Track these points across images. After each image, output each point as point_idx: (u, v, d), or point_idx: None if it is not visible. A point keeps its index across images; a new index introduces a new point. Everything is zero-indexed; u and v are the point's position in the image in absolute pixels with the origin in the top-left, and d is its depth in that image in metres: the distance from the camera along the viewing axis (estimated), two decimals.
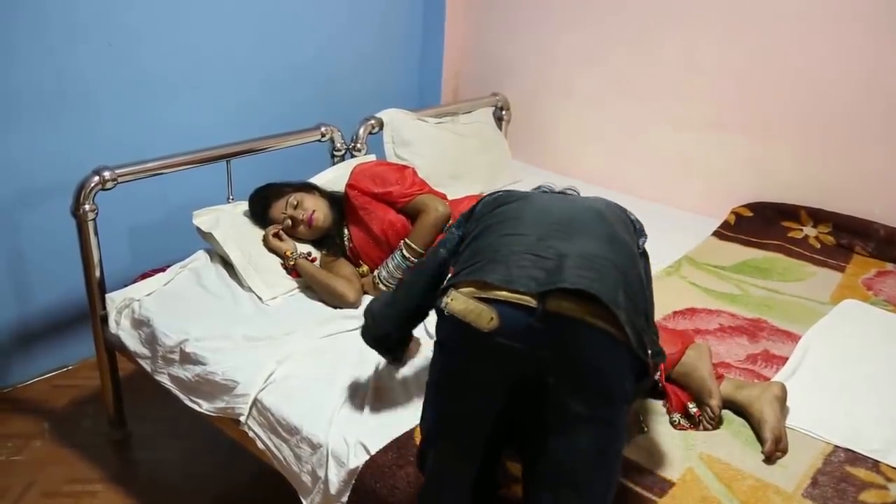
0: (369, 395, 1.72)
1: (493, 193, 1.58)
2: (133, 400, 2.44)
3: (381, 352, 1.73)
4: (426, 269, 1.60)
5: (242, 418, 1.77)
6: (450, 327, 1.29)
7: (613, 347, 1.23)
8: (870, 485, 1.51)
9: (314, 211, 2.24)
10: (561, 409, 1.24)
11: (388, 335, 1.67)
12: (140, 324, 2.06)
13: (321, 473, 1.61)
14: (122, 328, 2.10)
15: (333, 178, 2.48)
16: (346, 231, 2.31)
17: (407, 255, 2.15)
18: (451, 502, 1.34)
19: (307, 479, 1.65)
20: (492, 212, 1.49)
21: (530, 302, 1.22)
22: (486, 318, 1.22)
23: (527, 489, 1.33)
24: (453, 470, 1.34)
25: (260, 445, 1.76)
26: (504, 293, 1.24)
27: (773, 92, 2.76)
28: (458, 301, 1.26)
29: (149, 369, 2.05)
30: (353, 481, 1.54)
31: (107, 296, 2.15)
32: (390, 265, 2.18)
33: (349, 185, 2.28)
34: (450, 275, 1.41)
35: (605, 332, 1.22)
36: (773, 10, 2.69)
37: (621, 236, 1.44)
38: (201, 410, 1.89)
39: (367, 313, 1.67)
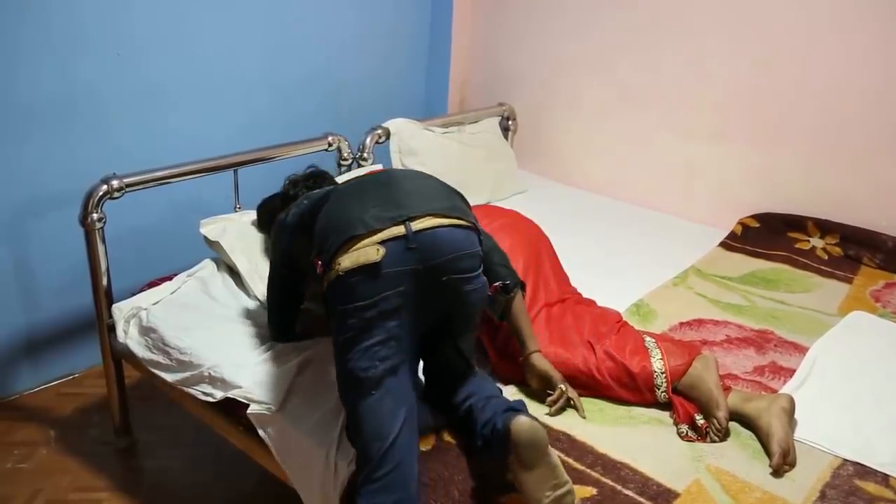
0: None
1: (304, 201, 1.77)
2: (139, 408, 2.44)
3: (294, 340, 1.93)
4: (280, 274, 1.83)
5: (261, 432, 1.77)
6: (346, 284, 1.46)
7: (466, 235, 1.54)
8: (879, 499, 1.49)
9: None
10: (457, 298, 1.53)
11: (292, 335, 1.92)
12: (148, 332, 2.07)
13: (328, 479, 1.61)
14: (129, 337, 2.10)
15: None
16: None
17: None
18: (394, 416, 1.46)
19: (316, 487, 1.65)
20: (319, 206, 1.65)
21: (399, 230, 1.46)
22: (373, 252, 1.44)
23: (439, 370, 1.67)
24: (395, 394, 1.48)
25: (276, 456, 1.75)
26: (375, 236, 1.46)
27: (781, 102, 2.76)
28: (345, 259, 1.45)
29: (160, 374, 2.03)
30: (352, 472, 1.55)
31: (114, 305, 2.15)
32: None
33: None
34: (318, 266, 1.54)
35: (456, 225, 1.52)
36: (780, 20, 2.70)
37: (444, 184, 1.70)
38: (215, 399, 1.87)
39: (271, 331, 1.94)
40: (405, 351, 1.50)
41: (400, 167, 2.82)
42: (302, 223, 1.69)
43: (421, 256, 1.47)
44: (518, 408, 1.52)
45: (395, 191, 1.58)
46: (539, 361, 1.75)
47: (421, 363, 1.68)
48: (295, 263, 1.77)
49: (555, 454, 1.40)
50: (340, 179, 2.57)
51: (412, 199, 1.54)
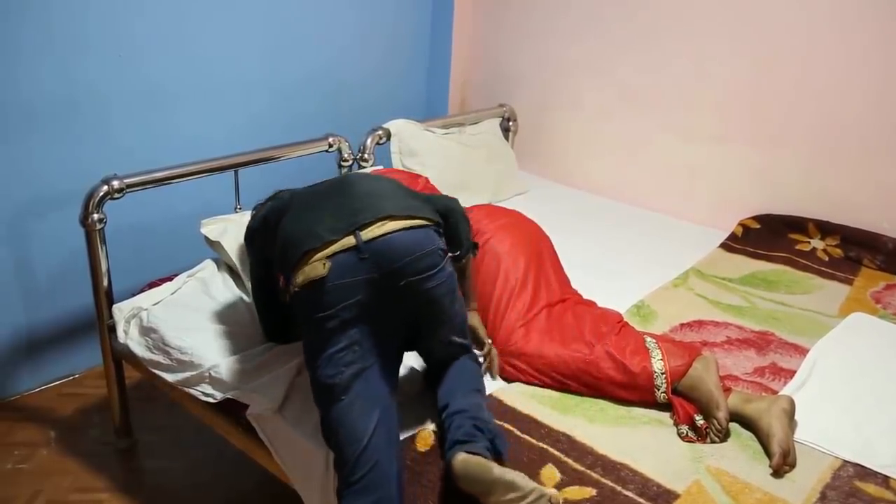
0: None
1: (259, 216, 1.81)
2: (139, 409, 2.45)
3: (289, 341, 1.93)
4: (259, 277, 1.88)
5: (260, 433, 1.77)
6: (304, 297, 1.51)
7: (422, 234, 1.55)
8: (879, 500, 1.49)
9: None
10: (420, 298, 1.54)
11: (285, 335, 1.93)
12: (148, 332, 2.07)
13: (328, 479, 1.61)
14: (130, 337, 2.10)
15: None
16: None
17: None
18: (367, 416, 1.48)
19: (316, 487, 1.65)
20: (277, 221, 1.68)
21: (350, 242, 1.49)
22: (320, 267, 1.48)
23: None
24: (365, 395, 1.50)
25: (276, 457, 1.75)
26: (327, 249, 1.49)
27: (781, 103, 2.76)
28: (299, 276, 1.50)
29: (160, 374, 2.03)
30: None
31: (114, 306, 2.15)
32: None
33: None
34: (281, 281, 1.61)
35: (410, 227, 1.54)
36: (781, 22, 2.70)
37: (400, 184, 1.74)
38: (215, 400, 1.87)
39: (264, 333, 1.96)
40: (373, 354, 1.52)
41: (400, 167, 2.82)
42: (266, 226, 1.75)
43: (375, 265, 1.50)
44: (463, 438, 1.46)
45: (348, 197, 1.61)
46: (471, 318, 1.85)
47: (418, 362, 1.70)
48: (270, 265, 1.79)
49: (504, 471, 1.37)
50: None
51: (365, 204, 1.57)
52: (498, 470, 1.37)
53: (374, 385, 1.52)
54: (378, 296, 1.50)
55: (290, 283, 1.54)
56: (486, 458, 1.41)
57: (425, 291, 1.55)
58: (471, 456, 1.40)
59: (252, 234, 1.84)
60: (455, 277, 1.64)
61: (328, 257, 1.48)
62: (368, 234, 1.50)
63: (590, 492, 1.46)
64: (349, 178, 1.75)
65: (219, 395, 1.85)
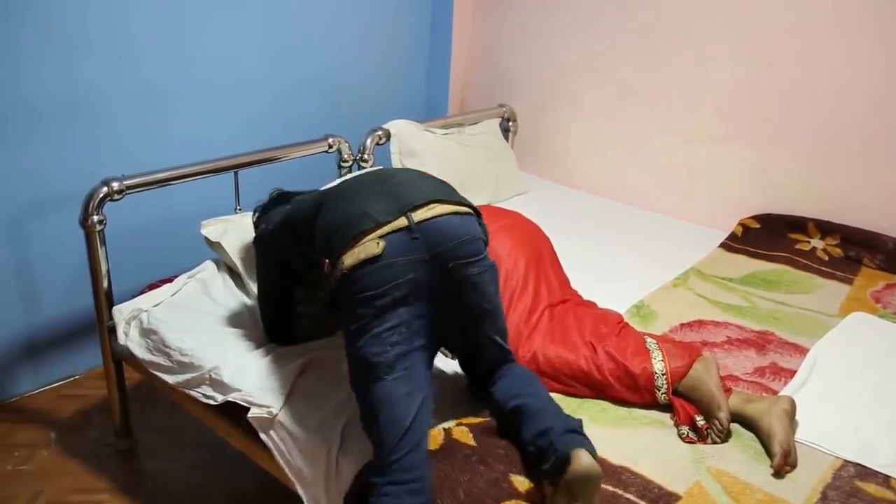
0: None
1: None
2: (139, 410, 2.44)
3: (291, 343, 1.93)
4: (269, 282, 1.89)
5: (262, 436, 1.76)
6: (353, 279, 1.49)
7: (465, 220, 1.58)
8: (880, 500, 1.49)
9: None
10: (464, 283, 1.55)
11: (289, 338, 1.93)
12: (148, 333, 2.07)
13: (331, 482, 1.61)
14: (130, 339, 2.10)
15: None
16: None
17: None
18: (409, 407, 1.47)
19: (320, 490, 1.65)
20: (308, 220, 1.68)
21: (403, 223, 1.50)
22: (373, 246, 1.48)
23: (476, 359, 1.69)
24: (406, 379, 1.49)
25: (277, 458, 1.75)
26: (381, 230, 1.50)
27: (781, 104, 2.76)
28: (348, 257, 1.49)
29: (160, 376, 2.03)
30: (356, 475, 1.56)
31: (115, 308, 2.15)
32: None
33: None
34: (326, 266, 1.58)
35: (455, 213, 1.57)
36: (781, 23, 2.70)
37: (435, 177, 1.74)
38: (216, 402, 1.87)
39: (267, 336, 1.95)
40: (419, 337, 1.52)
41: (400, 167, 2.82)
42: (289, 227, 1.75)
43: (426, 245, 1.51)
44: (579, 430, 1.50)
45: (394, 185, 1.62)
46: None
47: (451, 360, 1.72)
48: (286, 266, 1.80)
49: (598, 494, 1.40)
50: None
51: (410, 189, 1.59)
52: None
53: (416, 369, 1.51)
54: (428, 278, 1.51)
55: (335, 266, 1.52)
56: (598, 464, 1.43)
57: (471, 276, 1.56)
58: (595, 460, 1.41)
59: (266, 239, 1.85)
60: (497, 271, 1.66)
61: (381, 237, 1.49)
62: (419, 215, 1.52)
63: None
64: (386, 171, 1.77)
65: (219, 398, 1.84)
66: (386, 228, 1.50)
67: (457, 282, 1.55)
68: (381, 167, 1.80)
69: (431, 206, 1.55)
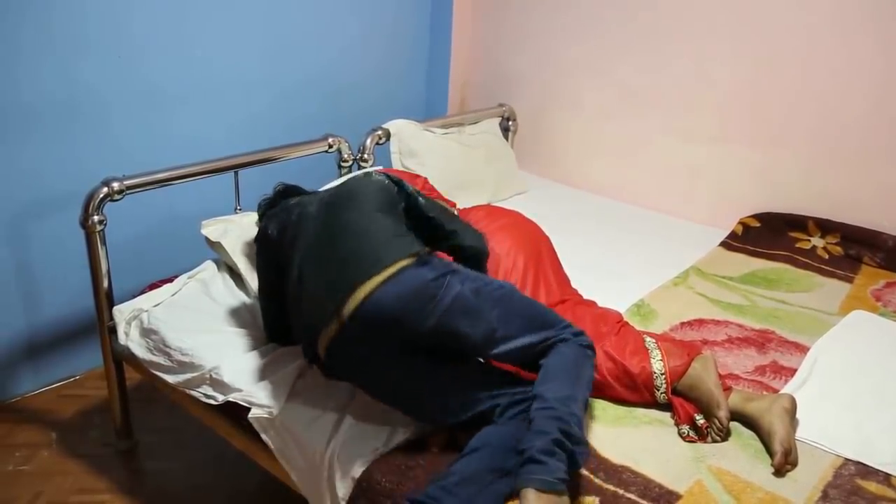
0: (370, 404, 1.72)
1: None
2: (140, 410, 2.44)
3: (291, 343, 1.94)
4: (267, 280, 1.90)
5: (263, 436, 1.76)
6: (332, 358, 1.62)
7: (407, 281, 1.52)
8: (881, 498, 1.49)
9: None
10: (435, 336, 1.53)
11: (287, 337, 1.92)
12: (149, 334, 2.07)
13: (332, 482, 1.61)
14: (130, 339, 2.10)
15: None
16: None
17: None
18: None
19: (323, 490, 1.65)
20: (287, 241, 1.76)
21: (336, 326, 1.54)
22: (321, 349, 1.61)
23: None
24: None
25: (279, 459, 1.75)
26: (323, 339, 1.59)
27: (781, 103, 2.76)
28: (319, 346, 1.63)
29: (161, 376, 2.03)
30: (359, 476, 1.55)
31: (115, 308, 2.15)
32: None
33: None
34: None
35: (387, 280, 1.52)
36: (781, 22, 2.69)
37: (378, 216, 1.68)
38: (217, 402, 1.87)
39: (266, 334, 1.97)
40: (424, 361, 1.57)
41: (400, 167, 2.82)
42: (268, 238, 1.83)
43: (370, 327, 1.53)
44: (537, 457, 1.35)
45: (329, 265, 1.62)
46: None
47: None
48: (279, 267, 1.82)
49: None
50: (340, 181, 2.58)
51: (342, 272, 1.57)
52: None
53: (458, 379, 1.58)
54: (393, 341, 1.54)
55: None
56: (558, 492, 1.33)
57: (433, 328, 1.51)
58: (541, 495, 1.31)
59: (257, 241, 1.89)
60: (469, 298, 1.54)
61: (326, 346, 1.57)
62: (351, 305, 1.52)
63: (592, 501, 1.45)
64: (334, 229, 1.68)
65: (220, 398, 1.84)
66: (329, 336, 1.56)
67: (427, 337, 1.52)
68: (336, 209, 1.74)
69: (358, 288, 1.52)
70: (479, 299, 1.55)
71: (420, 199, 1.79)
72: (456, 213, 2.23)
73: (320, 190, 2.28)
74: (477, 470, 1.42)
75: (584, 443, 1.44)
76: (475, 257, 1.81)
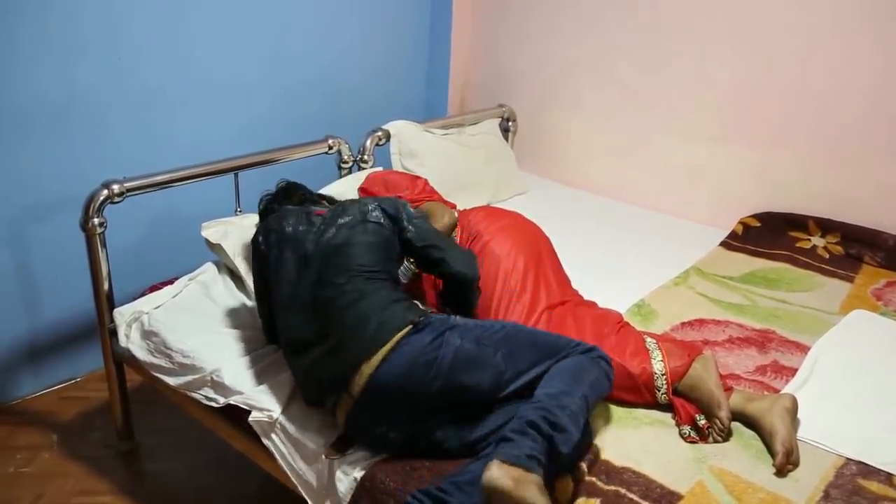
0: None
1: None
2: (141, 412, 2.44)
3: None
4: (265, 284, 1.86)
5: (264, 439, 1.76)
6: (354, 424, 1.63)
7: (406, 352, 1.53)
8: (883, 498, 1.49)
9: None
10: (439, 392, 1.52)
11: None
12: (149, 336, 2.07)
13: (333, 483, 1.61)
14: (131, 341, 2.10)
15: (342, 190, 2.48)
16: None
17: (412, 260, 2.14)
18: None
19: (324, 492, 1.65)
20: (270, 261, 1.78)
21: (350, 400, 1.57)
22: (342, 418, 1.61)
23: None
24: None
25: (280, 462, 1.75)
26: (340, 413, 1.60)
27: (782, 103, 2.76)
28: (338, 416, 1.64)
29: (162, 377, 2.03)
30: (362, 476, 1.55)
31: (116, 310, 2.15)
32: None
33: (361, 189, 2.34)
34: None
35: (388, 353, 1.53)
36: (781, 22, 2.69)
37: (322, 282, 1.67)
38: (218, 405, 1.87)
39: (265, 336, 1.96)
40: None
41: (400, 168, 2.82)
42: (257, 247, 1.83)
43: (380, 399, 1.54)
44: (507, 435, 1.38)
45: (328, 343, 1.60)
46: None
47: None
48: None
49: (531, 495, 1.27)
50: (341, 182, 2.58)
51: (344, 349, 1.57)
52: (521, 492, 1.26)
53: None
54: (408, 407, 1.54)
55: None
56: (525, 467, 1.30)
57: (441, 388, 1.51)
58: (504, 465, 1.30)
59: (252, 244, 1.89)
60: (471, 349, 1.54)
61: (344, 421, 1.59)
62: (360, 382, 1.53)
63: (594, 502, 1.45)
64: (326, 306, 1.64)
65: (221, 401, 1.84)
66: (344, 410, 1.57)
67: (439, 396, 1.52)
68: (313, 285, 1.68)
69: (363, 366, 1.53)
70: (480, 347, 1.55)
71: (409, 232, 1.79)
72: (456, 214, 2.23)
73: (320, 191, 2.30)
74: None
75: (567, 430, 1.40)
76: (465, 283, 1.82)
